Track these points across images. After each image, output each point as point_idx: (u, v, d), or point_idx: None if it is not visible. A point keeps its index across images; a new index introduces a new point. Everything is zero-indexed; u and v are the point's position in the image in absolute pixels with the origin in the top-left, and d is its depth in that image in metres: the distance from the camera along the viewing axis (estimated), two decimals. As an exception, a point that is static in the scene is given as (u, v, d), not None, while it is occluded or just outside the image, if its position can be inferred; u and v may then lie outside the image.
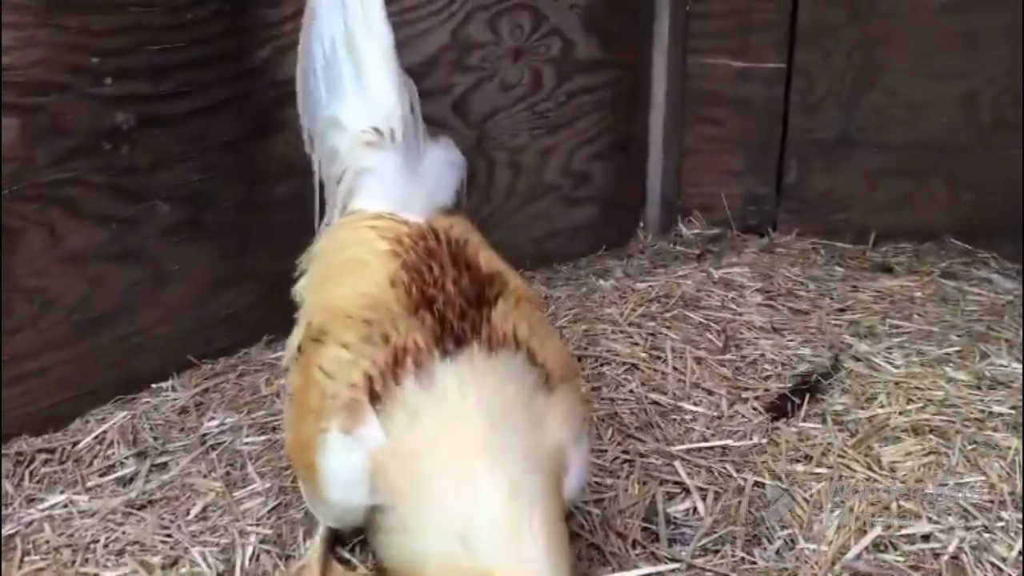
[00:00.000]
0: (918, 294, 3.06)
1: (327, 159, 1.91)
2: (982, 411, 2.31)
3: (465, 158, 1.94)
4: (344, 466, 1.43)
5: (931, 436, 2.22)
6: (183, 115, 2.37)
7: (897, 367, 2.54)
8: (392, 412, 1.38)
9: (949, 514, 1.98)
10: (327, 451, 1.44)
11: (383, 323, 1.47)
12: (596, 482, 2.06)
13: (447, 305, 1.48)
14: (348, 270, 1.67)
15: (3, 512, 2.05)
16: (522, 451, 1.34)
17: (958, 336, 2.73)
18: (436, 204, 1.78)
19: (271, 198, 2.58)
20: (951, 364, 2.56)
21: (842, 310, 2.93)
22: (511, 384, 1.39)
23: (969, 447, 2.17)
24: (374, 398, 1.40)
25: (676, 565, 1.87)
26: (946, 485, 2.06)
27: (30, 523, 2.01)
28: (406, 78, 1.90)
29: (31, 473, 2.17)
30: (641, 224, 3.60)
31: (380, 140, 1.77)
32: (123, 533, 1.98)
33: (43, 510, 2.05)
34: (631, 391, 2.38)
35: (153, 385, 2.49)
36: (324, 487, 1.48)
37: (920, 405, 2.34)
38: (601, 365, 2.49)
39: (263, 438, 2.27)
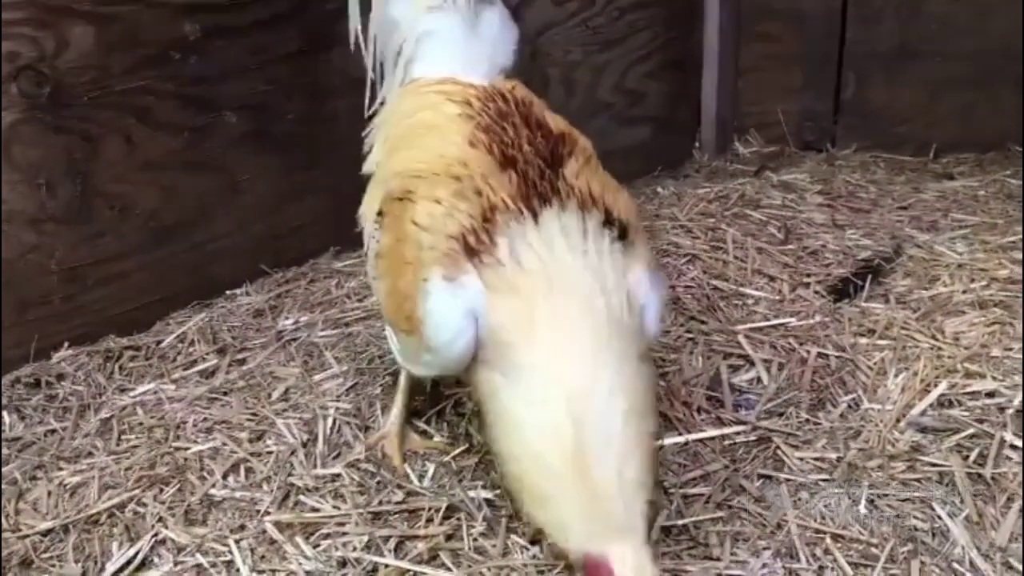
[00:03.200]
0: (981, 192, 3.03)
1: (385, 33, 1.86)
2: (1045, 285, 2.30)
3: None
4: (449, 309, 1.44)
5: (995, 309, 2.22)
6: (247, 26, 2.45)
7: (960, 253, 2.53)
8: (487, 267, 1.42)
9: (1014, 373, 1.99)
10: (430, 297, 1.45)
11: (474, 178, 1.49)
12: (660, 358, 2.11)
13: (528, 164, 1.50)
14: (421, 134, 1.67)
15: (95, 401, 2.16)
16: (611, 311, 1.39)
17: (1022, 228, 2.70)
18: (497, 65, 1.76)
19: (334, 111, 2.64)
20: (1015, 250, 2.54)
21: (903, 208, 2.92)
22: (594, 240, 1.43)
23: (1034, 316, 2.17)
24: (470, 253, 1.43)
25: (742, 428, 1.91)
26: (1011, 349, 2.06)
27: (123, 408, 2.13)
28: None
29: (120, 368, 2.29)
30: (697, 144, 3.60)
31: (442, 2, 1.75)
32: (210, 414, 2.08)
33: (134, 397, 2.16)
34: (693, 278, 2.42)
35: (228, 292, 2.58)
36: (429, 334, 1.48)
37: (984, 283, 2.34)
38: (663, 256, 2.52)
39: (336, 331, 2.36)
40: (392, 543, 1.71)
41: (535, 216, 1.44)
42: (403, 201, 1.56)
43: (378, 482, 1.84)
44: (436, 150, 1.59)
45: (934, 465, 1.80)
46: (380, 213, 1.67)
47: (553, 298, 1.39)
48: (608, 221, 1.46)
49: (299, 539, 1.74)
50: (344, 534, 1.74)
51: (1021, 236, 2.54)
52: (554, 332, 1.38)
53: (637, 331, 1.44)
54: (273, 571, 1.69)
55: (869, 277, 2.37)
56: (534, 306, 1.39)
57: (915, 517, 1.70)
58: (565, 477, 1.35)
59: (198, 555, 1.72)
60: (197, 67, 2.38)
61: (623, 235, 1.47)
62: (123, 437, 2.03)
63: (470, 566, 1.63)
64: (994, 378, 1.97)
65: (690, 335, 2.20)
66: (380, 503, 1.80)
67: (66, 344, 2.31)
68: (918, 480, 1.77)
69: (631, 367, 1.39)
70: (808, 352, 2.11)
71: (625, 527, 1.32)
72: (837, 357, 2.10)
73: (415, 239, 1.50)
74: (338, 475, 1.89)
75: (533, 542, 1.67)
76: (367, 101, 1.94)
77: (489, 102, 1.63)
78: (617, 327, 1.40)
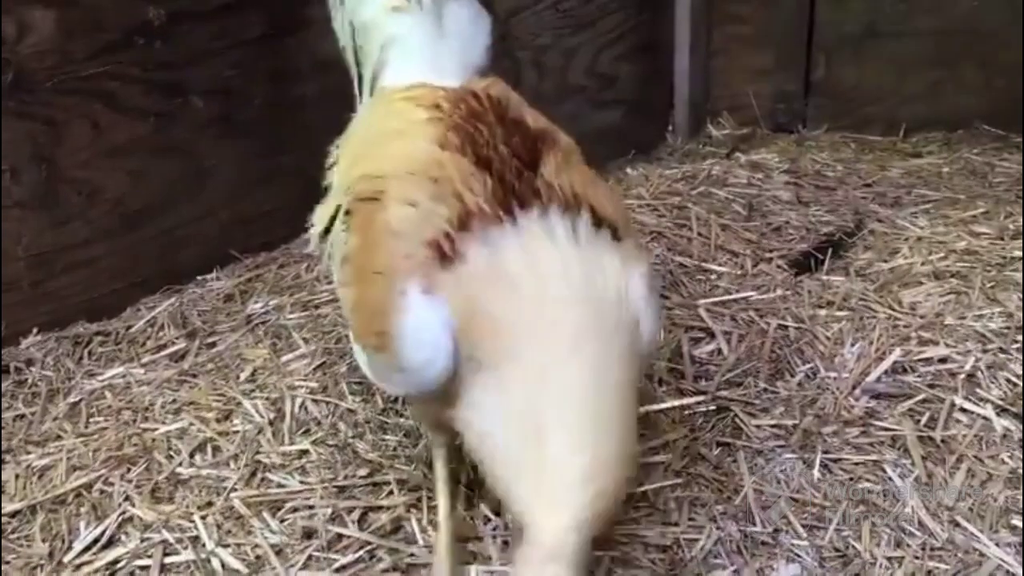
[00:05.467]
0: (946, 170, 3.07)
1: (360, 39, 1.75)
2: (1003, 257, 2.34)
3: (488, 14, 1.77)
4: (428, 325, 1.31)
5: (952, 279, 2.27)
6: (212, 10, 2.46)
7: (921, 227, 2.57)
8: (463, 276, 1.30)
9: (967, 340, 2.03)
10: (408, 313, 1.33)
11: (452, 181, 1.37)
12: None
13: (504, 166, 1.39)
14: (387, 141, 1.55)
15: (64, 386, 2.18)
16: (596, 316, 1.28)
17: (984, 202, 2.74)
18: (469, 64, 1.64)
19: (301, 95, 2.66)
20: (975, 223, 2.58)
21: (868, 185, 2.96)
22: (582, 242, 1.33)
23: (989, 286, 2.21)
24: (446, 261, 1.31)
25: (701, 398, 1.94)
26: (964, 318, 2.10)
27: (92, 392, 2.14)
28: None
29: (89, 352, 2.30)
30: (670, 127, 3.62)
31: (406, 4, 1.65)
32: (179, 396, 2.10)
33: (103, 381, 2.18)
34: (657, 255, 2.44)
35: (198, 277, 2.60)
36: (404, 353, 1.35)
37: (941, 255, 2.38)
38: (637, 235, 2.55)
39: (305, 313, 2.38)
40: (356, 514, 1.73)
41: (513, 220, 1.33)
42: (374, 202, 1.44)
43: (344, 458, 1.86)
44: (404, 153, 1.48)
45: (887, 430, 1.83)
46: (348, 213, 1.54)
47: (531, 303, 1.28)
48: (597, 222, 1.36)
49: (265, 514, 1.76)
50: (310, 507, 1.76)
51: (1022, 218, 2.56)
52: (531, 338, 1.27)
53: (630, 341, 1.32)
54: (239, 545, 1.71)
55: (830, 251, 2.41)
56: (510, 312, 1.29)
57: (867, 480, 1.74)
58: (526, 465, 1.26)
59: (164, 531, 1.74)
60: (162, 52, 2.39)
61: (614, 236, 1.37)
62: (91, 420, 2.05)
63: (430, 536, 1.66)
64: (947, 345, 2.01)
65: (653, 310, 2.22)
66: (345, 477, 1.82)
67: (35, 330, 2.32)
68: (871, 444, 1.81)
69: (613, 377, 1.27)
70: (768, 324, 2.14)
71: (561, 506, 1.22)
72: (796, 328, 2.13)
73: (388, 246, 1.38)
74: (305, 451, 1.91)
75: (497, 513, 1.70)
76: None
77: (460, 103, 1.52)
78: (605, 334, 1.28)
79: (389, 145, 1.54)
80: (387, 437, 1.92)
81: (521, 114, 1.53)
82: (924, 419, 1.84)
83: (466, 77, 1.61)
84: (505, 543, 1.64)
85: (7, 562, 1.69)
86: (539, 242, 1.31)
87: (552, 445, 1.24)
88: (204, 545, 1.70)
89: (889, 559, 1.59)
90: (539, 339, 1.27)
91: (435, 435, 1.67)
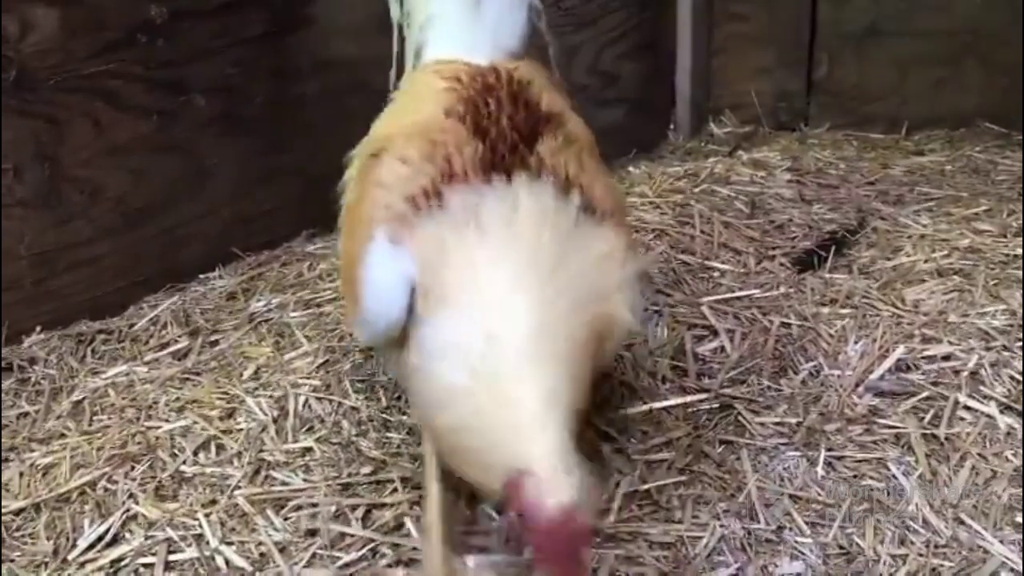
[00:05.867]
0: (948, 167, 3.07)
1: (406, 17, 1.86)
2: (1006, 255, 2.34)
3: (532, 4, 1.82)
4: (386, 274, 1.39)
5: (955, 277, 2.26)
6: (214, 8, 2.46)
7: (924, 225, 2.57)
8: (435, 231, 1.38)
9: (970, 338, 2.03)
10: (371, 259, 1.42)
11: (447, 145, 1.46)
12: (625, 330, 2.13)
13: (499, 137, 1.47)
14: (406, 104, 1.70)
15: (67, 384, 2.18)
16: (557, 287, 1.33)
17: (987, 200, 2.74)
18: (501, 47, 1.70)
19: (304, 94, 2.66)
20: (978, 221, 2.58)
21: (871, 183, 2.96)
22: (554, 219, 1.38)
23: (992, 283, 2.21)
24: (417, 209, 1.40)
25: (704, 395, 1.94)
26: (968, 315, 2.10)
27: (95, 390, 2.14)
28: None
29: (92, 351, 2.30)
30: (672, 126, 3.62)
31: None
32: (182, 394, 2.10)
33: (106, 379, 2.18)
34: (660, 253, 2.44)
35: (201, 275, 2.60)
36: (366, 301, 1.43)
37: (945, 253, 2.38)
38: (631, 232, 2.54)
39: (308, 311, 2.38)
40: (360, 512, 1.73)
41: (491, 185, 1.41)
42: (375, 157, 1.55)
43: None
44: (413, 116, 1.59)
45: (891, 427, 1.83)
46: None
47: (482, 258, 1.34)
48: (585, 205, 1.42)
49: (269, 511, 1.76)
50: (314, 505, 1.76)
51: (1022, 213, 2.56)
52: (472, 286, 1.34)
53: (595, 311, 1.38)
54: (243, 542, 1.71)
55: (833, 249, 2.40)
56: (471, 287, 1.34)
57: (871, 477, 1.73)
58: (467, 420, 1.31)
59: (168, 529, 1.74)
60: (164, 50, 2.40)
61: (593, 215, 1.43)
62: (95, 418, 2.05)
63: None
64: (950, 342, 2.01)
65: (656, 307, 2.23)
66: (349, 475, 1.82)
67: (38, 328, 2.32)
68: (875, 442, 1.81)
69: (566, 328, 1.32)
70: (771, 322, 2.14)
71: (539, 440, 1.24)
72: (799, 326, 2.13)
73: (373, 197, 1.48)
74: (309, 449, 1.91)
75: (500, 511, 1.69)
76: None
77: (479, 77, 1.60)
78: (553, 301, 1.33)
79: (405, 108, 1.66)
80: (391, 435, 1.92)
81: (537, 96, 1.59)
82: (928, 417, 1.84)
83: (496, 58, 1.68)
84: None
85: (12, 560, 1.69)
86: (511, 208, 1.37)
87: (507, 381, 1.28)
88: (208, 543, 1.70)
89: (893, 556, 1.58)
90: (488, 290, 1.32)
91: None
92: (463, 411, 1.31)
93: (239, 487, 1.82)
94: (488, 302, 1.33)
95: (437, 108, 1.55)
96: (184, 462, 1.90)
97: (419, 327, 1.39)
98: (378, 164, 1.52)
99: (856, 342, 2.05)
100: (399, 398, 2.03)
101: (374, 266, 1.42)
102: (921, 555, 1.58)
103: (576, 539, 1.19)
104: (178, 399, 2.09)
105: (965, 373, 1.92)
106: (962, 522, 1.63)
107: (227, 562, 1.66)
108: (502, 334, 1.30)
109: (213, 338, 2.34)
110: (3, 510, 1.80)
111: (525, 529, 1.23)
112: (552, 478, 1.19)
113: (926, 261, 2.34)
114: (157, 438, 1.97)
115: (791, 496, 1.71)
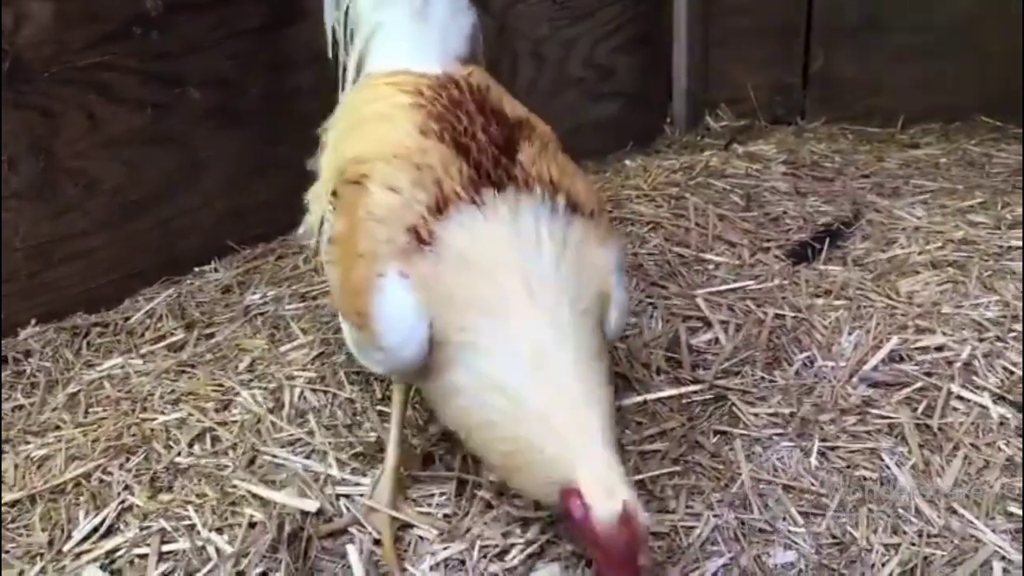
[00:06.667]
0: (943, 160, 3.07)
1: (351, 25, 1.85)
2: (1000, 246, 2.34)
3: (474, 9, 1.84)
4: (403, 307, 1.40)
5: (949, 268, 2.27)
6: (209, 1, 2.46)
7: (918, 217, 2.57)
8: (440, 256, 1.39)
9: (963, 329, 2.03)
10: (385, 295, 1.41)
11: (433, 168, 1.45)
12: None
13: (481, 153, 1.47)
14: (372, 124, 1.63)
15: (62, 376, 2.18)
16: (565, 295, 1.38)
17: (982, 192, 2.74)
18: (450, 52, 1.72)
19: (298, 86, 2.65)
20: (973, 213, 2.58)
21: (866, 176, 2.96)
22: (549, 226, 1.41)
23: (986, 275, 2.21)
24: (422, 242, 1.40)
25: (699, 387, 1.94)
26: (961, 306, 2.10)
27: (91, 382, 2.14)
28: None
29: (88, 343, 2.30)
30: (668, 119, 3.61)
31: None
32: (177, 387, 2.10)
33: (101, 371, 2.18)
34: (655, 246, 2.45)
35: (196, 268, 2.60)
36: (380, 333, 1.44)
37: (939, 245, 2.38)
38: (626, 225, 2.55)
39: (303, 304, 2.38)
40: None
41: (485, 205, 1.42)
42: (358, 185, 1.51)
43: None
44: (389, 138, 1.55)
45: (884, 417, 1.84)
46: (334, 194, 1.63)
47: (496, 281, 1.37)
48: (572, 205, 1.45)
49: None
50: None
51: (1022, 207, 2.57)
52: (495, 311, 1.37)
53: (593, 323, 1.42)
54: (234, 524, 1.71)
55: (828, 241, 2.40)
56: (476, 289, 1.38)
57: (864, 467, 1.74)
58: (519, 440, 1.35)
59: (162, 520, 1.74)
60: (159, 42, 2.39)
61: (588, 218, 1.47)
62: (90, 410, 2.05)
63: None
64: (944, 333, 2.01)
65: (650, 299, 2.23)
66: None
67: (33, 321, 2.32)
68: (868, 432, 1.81)
69: (581, 348, 1.37)
70: (765, 313, 2.14)
71: (589, 452, 1.30)
72: (794, 317, 2.13)
73: (370, 231, 1.46)
74: (301, 439, 1.91)
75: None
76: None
77: (441, 90, 1.60)
78: (569, 311, 1.38)
79: (375, 129, 1.61)
80: (385, 425, 1.92)
81: (500, 102, 1.60)
82: (921, 407, 1.85)
83: (447, 64, 1.68)
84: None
85: (7, 551, 1.69)
86: (509, 225, 1.39)
87: (542, 406, 1.32)
88: (199, 532, 1.70)
89: (886, 546, 1.59)
90: (511, 313, 1.35)
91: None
92: (513, 435, 1.35)
93: (233, 476, 1.82)
94: (515, 329, 1.36)
95: (410, 127, 1.54)
96: (179, 453, 1.90)
97: (448, 359, 1.41)
98: (364, 194, 1.49)
99: (850, 333, 2.05)
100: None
101: (391, 304, 1.42)
102: (914, 544, 1.59)
103: (633, 546, 1.26)
104: (173, 391, 2.09)
105: (958, 364, 1.93)
106: (955, 511, 1.64)
107: (218, 551, 1.66)
108: (538, 357, 1.34)
109: (208, 331, 2.34)
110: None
111: (583, 540, 1.31)
112: (605, 490, 1.26)
113: (920, 253, 2.34)
114: (152, 430, 1.97)
115: (784, 486, 1.71)
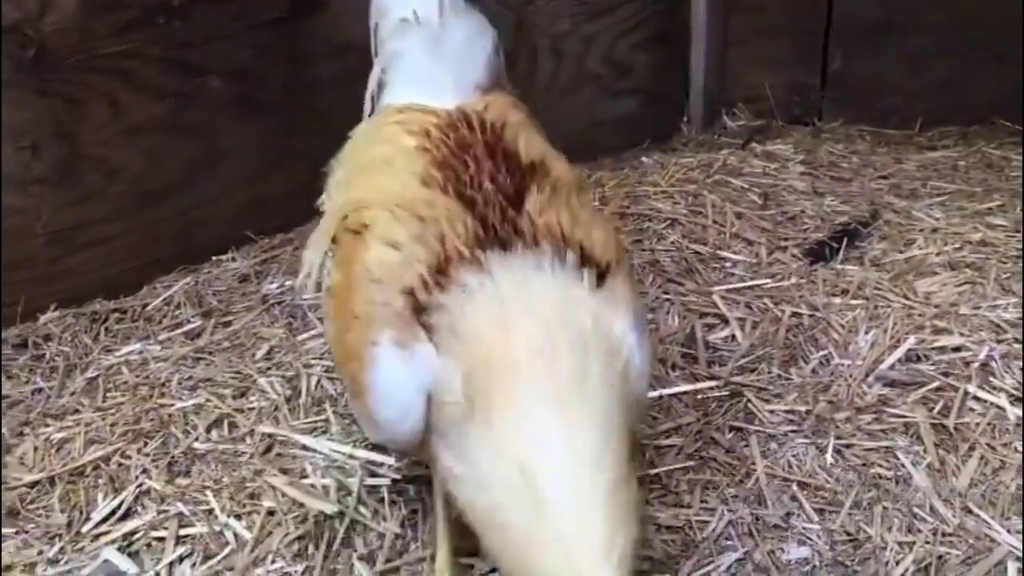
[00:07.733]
0: (962, 163, 3.07)
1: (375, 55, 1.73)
2: (1018, 249, 2.34)
3: (494, 29, 1.71)
4: (398, 381, 1.27)
5: (967, 270, 2.27)
6: (231, -9, 2.48)
7: (936, 218, 2.57)
8: (441, 325, 1.24)
9: (981, 330, 2.03)
10: (379, 366, 1.29)
11: (438, 222, 1.32)
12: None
13: (487, 206, 1.34)
14: (375, 170, 1.50)
15: (81, 361, 2.20)
16: (580, 367, 1.21)
17: (1000, 195, 2.74)
18: (467, 82, 1.59)
19: (319, 77, 2.67)
20: (991, 215, 2.58)
21: (884, 177, 2.95)
22: (562, 285, 1.27)
23: (1004, 277, 2.21)
24: (420, 312, 1.26)
25: (714, 383, 1.95)
26: (979, 308, 2.11)
27: (109, 367, 2.16)
28: None
29: (106, 329, 2.32)
30: (685, 118, 3.61)
31: (409, 23, 1.61)
32: (194, 373, 2.12)
33: (120, 357, 2.20)
34: (672, 242, 2.45)
35: (214, 257, 2.61)
36: (376, 406, 1.32)
37: (957, 246, 2.38)
38: (643, 221, 2.56)
39: (320, 294, 2.38)
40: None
41: (492, 266, 1.27)
42: (358, 235, 1.39)
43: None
44: (391, 186, 1.42)
45: (900, 416, 1.84)
46: (334, 241, 1.51)
47: (507, 358, 1.21)
48: (584, 261, 1.30)
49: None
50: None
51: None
52: (507, 397, 1.20)
53: (619, 387, 1.25)
54: (252, 512, 1.73)
55: (845, 241, 2.40)
56: (487, 369, 1.22)
57: (879, 465, 1.74)
58: (532, 542, 1.17)
59: (179, 504, 1.75)
60: (181, 31, 2.41)
61: (602, 277, 1.31)
62: (108, 395, 2.07)
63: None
64: (961, 334, 2.01)
65: (667, 296, 2.24)
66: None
67: (53, 306, 2.34)
68: (883, 431, 1.82)
69: (602, 426, 1.20)
70: (782, 311, 2.15)
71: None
72: (810, 316, 2.14)
73: (365, 291, 1.33)
74: (319, 426, 1.93)
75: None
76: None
77: (450, 131, 1.47)
78: (589, 385, 1.21)
79: (377, 174, 1.49)
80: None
81: (515, 141, 1.46)
82: (937, 407, 1.85)
83: (464, 96, 1.56)
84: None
85: (26, 531, 1.71)
86: (516, 288, 1.26)
87: (558, 513, 1.15)
88: (216, 516, 1.71)
89: (900, 544, 1.60)
90: (522, 391, 1.20)
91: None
92: (513, 540, 1.19)
93: (251, 462, 1.83)
94: (513, 426, 1.19)
95: (412, 177, 1.41)
96: (197, 439, 1.91)
97: (446, 443, 1.27)
98: (363, 248, 1.37)
99: (867, 332, 2.06)
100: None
101: (384, 376, 1.29)
102: (928, 543, 1.59)
103: None
104: (191, 378, 2.11)
105: (975, 364, 1.93)
106: (969, 511, 1.64)
107: (236, 536, 1.67)
108: (537, 465, 1.16)
109: (226, 319, 2.36)
110: (18, 483, 1.82)
111: None
112: None
113: (938, 254, 2.34)
114: (170, 415, 1.99)
115: (799, 483, 1.72)
